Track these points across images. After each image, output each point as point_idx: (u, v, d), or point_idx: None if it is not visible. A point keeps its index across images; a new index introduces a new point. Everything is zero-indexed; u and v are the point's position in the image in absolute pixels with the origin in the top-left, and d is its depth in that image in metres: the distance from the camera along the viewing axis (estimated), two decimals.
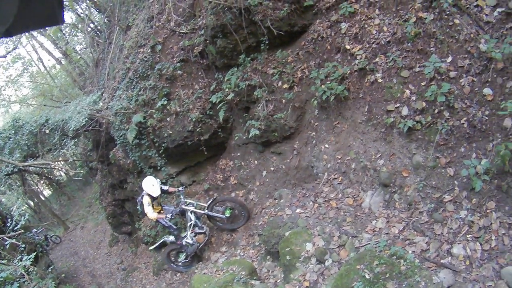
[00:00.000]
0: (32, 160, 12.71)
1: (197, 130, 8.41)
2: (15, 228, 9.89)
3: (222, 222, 8.01)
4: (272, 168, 7.88)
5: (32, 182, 25.15)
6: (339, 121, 6.56)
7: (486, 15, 4.78)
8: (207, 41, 8.07)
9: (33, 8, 1.06)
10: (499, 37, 4.59)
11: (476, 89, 4.75)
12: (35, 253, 9.61)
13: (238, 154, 8.80)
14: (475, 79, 4.78)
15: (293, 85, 7.23)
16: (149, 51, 9.10)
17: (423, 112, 5.17)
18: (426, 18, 5.30)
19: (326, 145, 6.73)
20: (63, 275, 12.62)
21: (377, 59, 5.89)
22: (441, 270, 4.27)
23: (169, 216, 7.57)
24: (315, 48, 7.00)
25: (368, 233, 5.33)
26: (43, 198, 27.28)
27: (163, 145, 8.76)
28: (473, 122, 4.68)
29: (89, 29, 15.93)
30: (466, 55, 4.92)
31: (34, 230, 16.02)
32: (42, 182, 28.09)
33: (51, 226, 22.21)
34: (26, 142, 12.29)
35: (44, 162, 13.24)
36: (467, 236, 4.38)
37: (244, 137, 8.25)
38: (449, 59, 5.05)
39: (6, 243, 8.92)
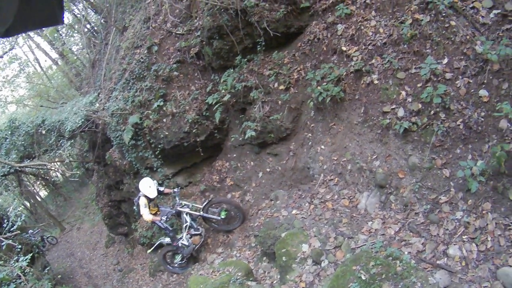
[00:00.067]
0: (28, 161, 12.64)
1: (193, 131, 8.40)
2: (11, 229, 9.85)
3: (218, 224, 8.01)
4: (268, 169, 7.87)
5: (29, 183, 25.06)
6: (335, 123, 6.56)
7: (482, 17, 4.79)
8: (204, 42, 8.07)
9: (33, 8, 1.05)
10: (495, 39, 4.61)
11: (472, 90, 4.76)
12: (31, 254, 9.61)
13: (234, 155, 8.78)
14: (471, 81, 4.80)
15: (289, 86, 7.22)
16: (145, 52, 9.09)
17: (419, 113, 5.18)
18: (422, 19, 5.31)
19: (322, 147, 6.72)
20: (59, 276, 12.61)
21: (373, 61, 5.90)
22: (437, 271, 4.27)
23: (164, 218, 7.54)
24: (311, 50, 7.00)
25: (364, 234, 5.33)
26: (39, 199, 27.10)
27: (159, 146, 8.74)
28: (469, 124, 4.69)
29: (86, 29, 15.88)
30: (462, 57, 4.92)
31: (31, 231, 16.00)
32: (38, 183, 28.01)
33: (47, 227, 22.08)
34: (23, 142, 12.24)
35: (41, 163, 13.16)
36: (463, 237, 4.39)
37: (240, 138, 8.24)
38: (445, 60, 5.06)
39: (2, 244, 8.89)
